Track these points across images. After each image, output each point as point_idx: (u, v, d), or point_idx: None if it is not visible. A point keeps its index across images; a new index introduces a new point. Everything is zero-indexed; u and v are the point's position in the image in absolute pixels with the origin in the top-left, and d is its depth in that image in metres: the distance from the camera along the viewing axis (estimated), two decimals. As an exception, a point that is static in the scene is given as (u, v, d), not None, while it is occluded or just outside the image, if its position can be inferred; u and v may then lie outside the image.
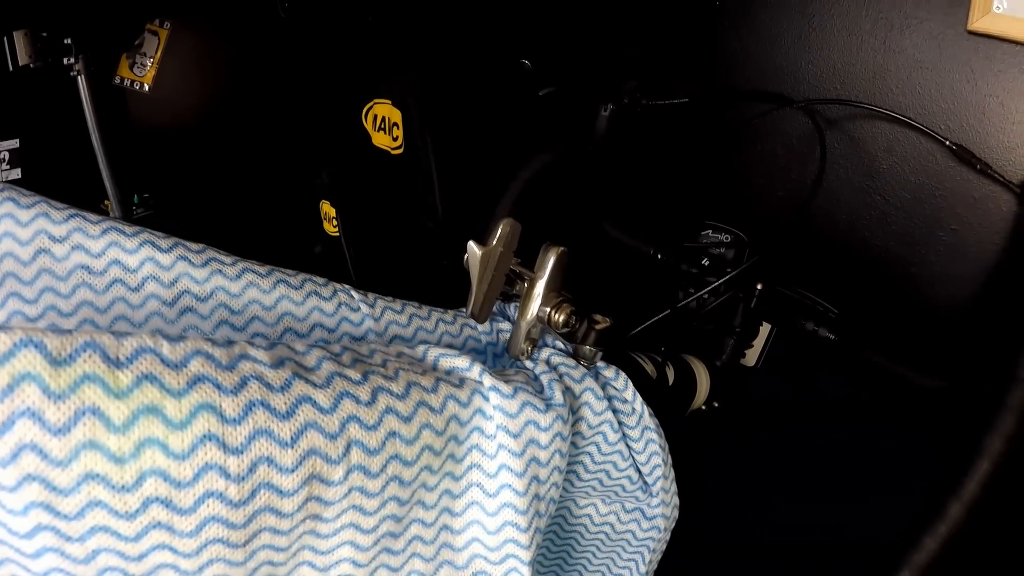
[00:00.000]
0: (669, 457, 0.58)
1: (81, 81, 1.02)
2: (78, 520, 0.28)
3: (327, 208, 1.23)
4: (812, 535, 0.77)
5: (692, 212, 0.84)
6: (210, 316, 0.46)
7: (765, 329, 0.80)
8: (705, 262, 0.81)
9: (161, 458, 0.29)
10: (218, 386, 0.31)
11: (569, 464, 0.52)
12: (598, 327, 0.53)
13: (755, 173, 0.82)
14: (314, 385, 0.35)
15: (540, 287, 0.50)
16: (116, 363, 0.29)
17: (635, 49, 0.86)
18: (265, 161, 1.18)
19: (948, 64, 0.69)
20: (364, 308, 0.52)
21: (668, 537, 0.60)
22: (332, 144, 1.16)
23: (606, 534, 0.62)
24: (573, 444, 0.52)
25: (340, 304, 0.51)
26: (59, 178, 1.01)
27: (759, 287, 0.76)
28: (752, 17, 0.80)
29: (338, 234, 1.23)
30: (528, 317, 0.50)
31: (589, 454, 0.54)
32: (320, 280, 0.51)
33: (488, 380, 0.45)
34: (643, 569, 0.62)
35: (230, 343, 0.34)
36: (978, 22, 0.69)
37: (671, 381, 0.70)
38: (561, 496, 0.54)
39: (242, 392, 0.32)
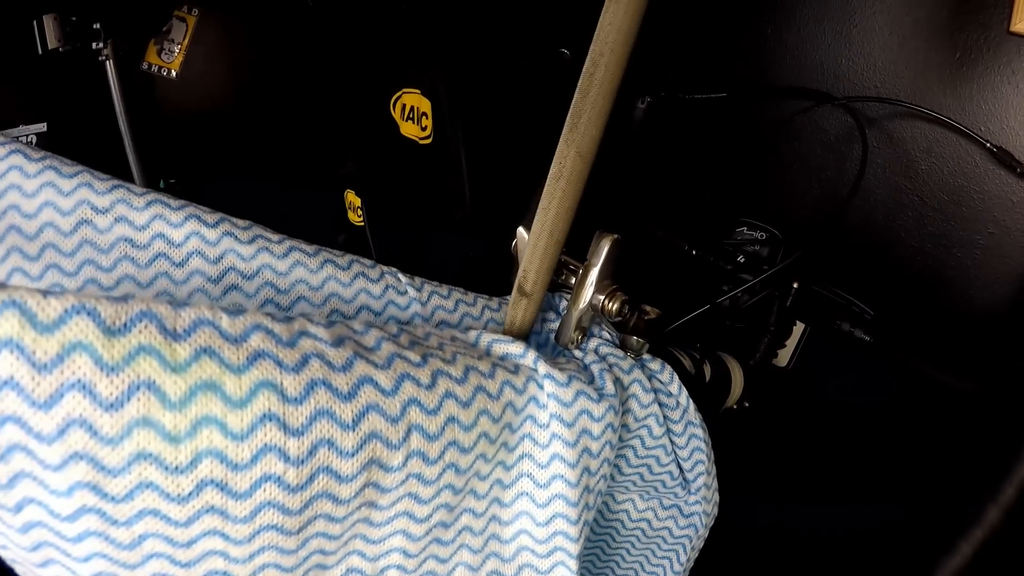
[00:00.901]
0: (712, 453, 0.56)
1: (109, 66, 1.01)
2: (126, 503, 0.26)
3: (352, 197, 1.22)
4: (844, 535, 0.75)
5: (728, 209, 0.83)
6: (255, 295, 0.45)
7: (798, 329, 0.79)
8: (741, 259, 0.80)
9: (219, 438, 0.27)
10: (279, 363, 0.29)
11: (615, 456, 0.51)
12: (648, 317, 0.52)
13: (792, 171, 0.81)
14: (375, 366, 0.34)
15: (594, 275, 0.49)
16: (174, 335, 0.27)
17: (674, 42, 0.85)
18: (290, 149, 1.17)
19: (990, 65, 0.68)
20: (411, 292, 0.51)
21: (706, 535, 0.59)
22: (359, 133, 1.15)
23: (642, 530, 0.61)
24: (619, 437, 0.50)
25: (387, 287, 0.50)
26: (85, 162, 1.00)
27: (795, 286, 0.75)
28: (793, 13, 0.79)
29: (363, 224, 1.21)
30: (580, 305, 0.49)
31: (633, 448, 0.53)
32: (367, 262, 0.50)
33: (543, 368, 0.43)
34: (678, 568, 0.61)
35: (289, 319, 0.33)
36: (1021, 23, 0.68)
37: (708, 378, 0.69)
38: None
39: (304, 370, 0.30)
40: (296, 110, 1.15)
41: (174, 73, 1.09)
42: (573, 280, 0.54)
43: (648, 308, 0.52)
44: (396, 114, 1.11)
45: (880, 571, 0.70)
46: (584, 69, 0.41)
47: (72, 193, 0.41)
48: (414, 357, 0.37)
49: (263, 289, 0.45)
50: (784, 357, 0.79)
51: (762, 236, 0.81)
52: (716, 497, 0.58)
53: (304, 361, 0.31)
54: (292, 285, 0.46)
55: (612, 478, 0.55)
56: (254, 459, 0.28)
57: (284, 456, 0.29)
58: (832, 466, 0.78)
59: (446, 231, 1.12)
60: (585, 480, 0.45)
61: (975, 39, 0.67)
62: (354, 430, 0.32)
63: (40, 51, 0.92)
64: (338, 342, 0.34)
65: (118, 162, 1.02)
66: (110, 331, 0.25)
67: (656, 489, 0.58)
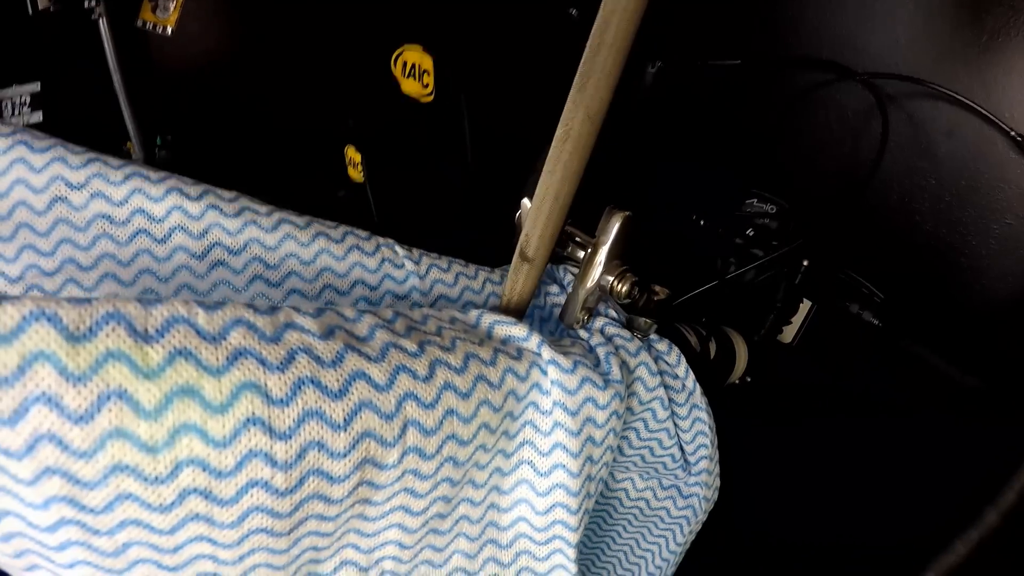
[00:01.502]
0: (716, 438, 0.55)
1: (102, 24, 0.97)
2: (106, 514, 0.25)
3: (352, 153, 1.18)
4: (838, 528, 0.75)
5: (738, 179, 0.80)
6: (243, 270, 0.42)
7: (805, 306, 0.77)
8: (750, 232, 0.77)
9: (199, 446, 0.25)
10: (263, 361, 0.27)
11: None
12: (657, 298, 0.50)
13: (806, 144, 0.77)
14: (368, 358, 0.32)
15: (603, 254, 0.46)
16: (145, 337, 0.25)
17: (687, 5, 0.80)
18: (289, 105, 1.13)
19: (1018, 50, 0.64)
20: (409, 265, 0.48)
21: (704, 519, 0.58)
22: (359, 89, 1.10)
23: (640, 509, 0.60)
24: (623, 421, 0.49)
25: (383, 260, 0.47)
26: (81, 121, 0.97)
27: (805, 264, 0.72)
28: (815, -21, 0.74)
29: (363, 180, 1.18)
30: (588, 285, 0.47)
31: (636, 430, 0.52)
32: (363, 233, 0.48)
33: (547, 353, 0.41)
34: (673, 547, 0.60)
35: (273, 309, 0.30)
36: (1053, 8, 0.64)
37: (712, 355, 0.67)
38: None
39: (290, 368, 0.28)
40: (295, 66, 1.10)
41: (170, 29, 1.04)
42: (580, 253, 0.52)
43: (657, 288, 0.50)
44: (397, 71, 1.06)
45: (871, 564, 0.70)
46: (594, 27, 0.38)
47: (44, 169, 0.38)
48: (410, 346, 0.34)
49: (251, 264, 0.42)
50: (789, 334, 0.77)
51: (772, 209, 0.78)
52: (717, 482, 0.57)
53: (290, 358, 0.28)
54: (282, 260, 0.43)
55: (614, 458, 0.53)
56: (239, 465, 0.26)
57: (271, 461, 0.27)
58: (826, 453, 0.77)
59: (447, 190, 1.09)
60: (588, 469, 0.43)
61: (1004, 21, 0.62)
62: (346, 430, 0.30)
63: (31, 11, 0.88)
64: (328, 333, 0.31)
65: (114, 119, 0.98)
66: (74, 337, 0.23)
67: (657, 470, 0.56)
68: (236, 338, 0.27)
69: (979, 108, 0.64)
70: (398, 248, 0.48)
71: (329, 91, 1.17)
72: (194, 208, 0.40)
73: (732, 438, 0.61)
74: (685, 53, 0.81)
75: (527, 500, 0.44)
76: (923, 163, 0.69)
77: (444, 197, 1.11)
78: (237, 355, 0.27)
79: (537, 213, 0.43)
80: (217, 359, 0.26)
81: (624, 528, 0.61)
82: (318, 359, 0.29)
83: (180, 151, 1.09)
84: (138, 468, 0.24)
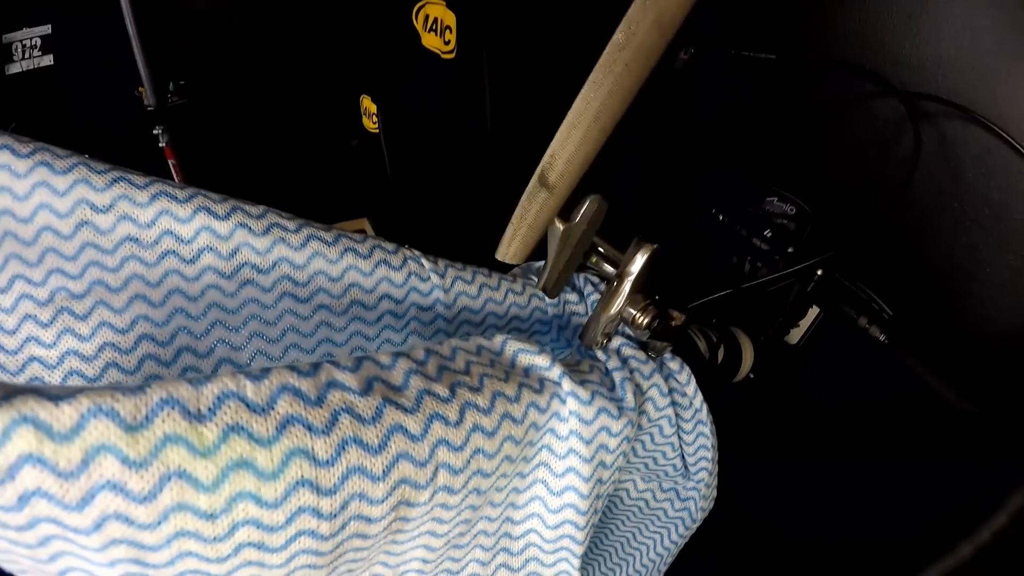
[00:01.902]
0: (716, 454, 0.57)
1: None
2: (168, 568, 0.27)
3: (368, 103, 1.16)
4: (841, 524, 0.78)
5: (760, 176, 0.80)
6: (272, 288, 0.43)
7: (813, 311, 0.78)
8: (768, 233, 0.77)
9: (254, 509, 0.28)
10: (309, 428, 0.29)
11: None
12: (674, 324, 0.51)
13: (831, 149, 0.76)
14: (405, 411, 0.33)
15: (628, 286, 0.47)
16: (198, 417, 0.27)
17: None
18: (306, 50, 1.10)
19: None
20: (434, 278, 0.49)
21: (699, 524, 0.61)
22: (378, 38, 1.07)
23: (639, 507, 0.63)
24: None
25: (410, 274, 0.48)
26: (92, 65, 0.94)
27: (819, 273, 0.73)
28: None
29: (377, 131, 1.16)
30: (611, 312, 0.48)
31: (642, 442, 0.54)
32: (390, 247, 0.48)
33: (567, 385, 0.43)
34: (668, 544, 0.63)
35: (315, 368, 0.32)
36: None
37: (720, 360, 0.69)
38: None
39: (334, 431, 0.30)
40: (313, 9, 1.06)
41: (184, -30, 1.00)
42: (605, 267, 0.53)
43: (674, 314, 0.51)
44: (419, 24, 1.03)
45: (864, 566, 0.74)
46: None
47: (68, 192, 0.38)
48: (442, 392, 0.36)
49: (280, 283, 0.43)
50: (796, 336, 0.79)
51: (792, 210, 0.78)
52: (714, 493, 0.59)
53: (334, 420, 0.30)
54: (311, 277, 0.44)
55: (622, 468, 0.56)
56: (289, 520, 0.29)
57: (317, 514, 0.30)
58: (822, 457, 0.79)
59: (464, 148, 1.07)
60: (596, 489, 0.46)
61: None
62: (384, 480, 0.32)
63: None
64: (367, 388, 0.33)
65: (127, 64, 0.96)
66: (131, 428, 0.25)
67: (658, 476, 0.59)
68: (283, 406, 0.29)
69: (1012, 140, 0.63)
70: (424, 261, 0.49)
71: (348, 38, 1.14)
72: (222, 228, 0.41)
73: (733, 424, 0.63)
74: (720, 42, 0.79)
75: (539, 515, 0.46)
76: (949, 185, 0.69)
77: (460, 156, 1.10)
78: (286, 423, 0.29)
79: (569, 131, 0.38)
80: (267, 430, 0.28)
81: (622, 523, 0.64)
82: (359, 417, 0.31)
83: (193, 97, 1.07)
84: (199, 532, 0.27)
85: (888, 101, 0.71)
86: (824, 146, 0.78)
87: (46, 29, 0.91)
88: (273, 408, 0.29)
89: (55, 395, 0.24)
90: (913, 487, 0.73)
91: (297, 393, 0.30)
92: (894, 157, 0.72)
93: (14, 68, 0.92)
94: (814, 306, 0.77)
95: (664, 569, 0.64)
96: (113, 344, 0.39)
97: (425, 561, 0.40)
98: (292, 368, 0.31)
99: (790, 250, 0.75)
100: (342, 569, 0.35)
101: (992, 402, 0.65)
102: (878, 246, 0.73)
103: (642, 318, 0.47)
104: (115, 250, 0.39)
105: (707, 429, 0.56)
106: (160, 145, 1.05)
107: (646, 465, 0.57)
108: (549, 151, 0.39)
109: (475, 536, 0.44)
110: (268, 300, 0.43)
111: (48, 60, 0.93)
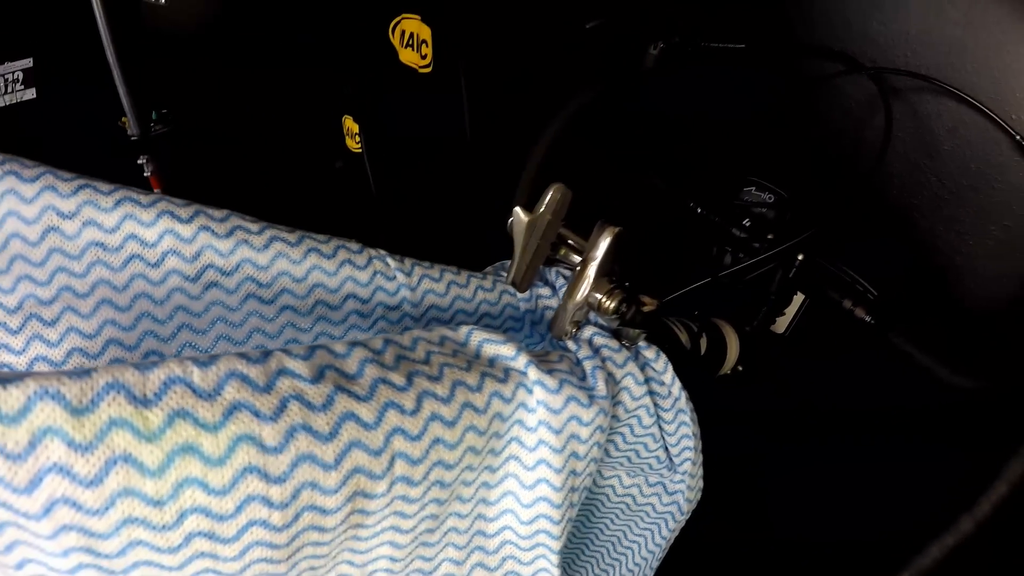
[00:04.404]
0: (699, 443, 0.56)
1: None
2: (120, 558, 0.27)
3: (350, 124, 1.17)
4: (818, 527, 0.77)
5: (736, 166, 0.79)
6: (237, 290, 0.43)
7: (798, 298, 0.77)
8: (746, 222, 0.77)
9: (201, 496, 0.28)
10: (256, 413, 0.29)
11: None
12: (646, 309, 0.50)
13: (808, 133, 0.76)
14: (357, 398, 0.33)
15: (592, 270, 0.46)
16: (144, 401, 0.27)
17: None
18: (287, 74, 1.11)
19: None
20: (400, 277, 0.49)
21: (688, 517, 0.60)
22: (357, 57, 1.08)
23: (627, 504, 0.62)
24: (609, 428, 0.50)
25: (375, 273, 0.48)
26: (75, 97, 0.96)
27: (799, 257, 0.72)
28: (826, -35, 0.72)
29: (360, 151, 1.17)
30: (576, 299, 0.47)
31: (622, 434, 0.53)
32: (354, 247, 0.48)
33: (533, 373, 0.42)
34: (658, 540, 0.62)
35: (266, 356, 0.32)
36: (1072, 13, 0.61)
37: (703, 351, 0.68)
38: None
39: (282, 417, 0.30)
40: (292, 33, 1.08)
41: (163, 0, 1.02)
42: (574, 257, 0.52)
43: (646, 300, 0.50)
44: (395, 40, 1.04)
45: (849, 563, 0.72)
46: None
47: (35, 199, 0.39)
48: (399, 380, 0.36)
49: (244, 284, 0.43)
50: (782, 324, 0.78)
51: (770, 198, 0.78)
52: (700, 483, 0.58)
53: (282, 406, 0.30)
54: (275, 278, 0.44)
55: (600, 459, 0.55)
56: (238, 509, 0.29)
57: (268, 503, 0.30)
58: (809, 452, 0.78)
59: (445, 163, 1.08)
60: (571, 482, 0.45)
61: (1020, 22, 0.61)
62: (336, 468, 0.32)
63: None
64: (318, 376, 0.32)
65: (109, 94, 0.97)
66: (77, 411, 0.25)
67: (643, 469, 0.58)
68: (230, 392, 0.29)
69: (985, 109, 0.63)
70: (390, 260, 0.49)
71: (327, 59, 1.15)
72: (186, 231, 0.41)
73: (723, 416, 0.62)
74: (689, 35, 0.79)
75: (512, 511, 0.45)
76: (925, 160, 0.68)
77: (441, 170, 1.10)
78: (232, 409, 0.29)
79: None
80: (213, 416, 0.28)
81: (611, 522, 0.63)
82: (309, 404, 0.31)
83: (177, 125, 1.08)
84: (147, 519, 0.27)
85: (859, 80, 0.71)
86: (799, 131, 0.78)
87: (28, 63, 0.93)
88: (220, 394, 0.29)
89: (3, 378, 0.24)
90: (908, 480, 0.72)
91: (245, 379, 0.30)
92: (869, 136, 0.72)
93: (-3, 102, 0.93)
94: (799, 293, 0.76)
95: (656, 566, 0.62)
96: (81, 349, 0.40)
97: (393, 559, 0.40)
98: (242, 355, 0.31)
99: (770, 237, 0.74)
100: (303, 566, 0.34)
101: (985, 375, 0.63)
102: (859, 227, 0.73)
103: (608, 302, 0.46)
104: (81, 255, 0.40)
105: (688, 418, 0.55)
106: (145, 175, 1.06)
107: (629, 459, 0.56)
108: None
109: (445, 534, 0.43)
110: (233, 302, 0.43)
111: (31, 93, 0.95)
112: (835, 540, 0.77)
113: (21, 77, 0.93)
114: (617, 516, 0.63)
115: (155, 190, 1.09)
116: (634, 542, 0.63)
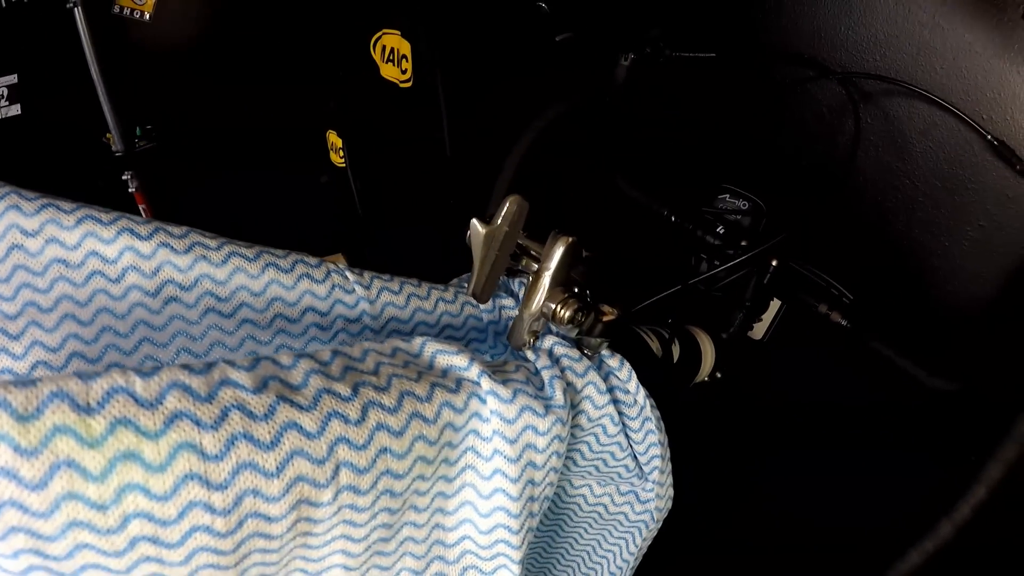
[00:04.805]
0: (668, 451, 0.56)
1: (78, 13, 0.95)
2: (69, 560, 0.28)
3: (334, 139, 1.19)
4: (800, 528, 0.76)
5: (710, 174, 0.80)
6: (196, 304, 0.44)
7: (775, 304, 0.77)
8: (720, 230, 0.77)
9: (143, 501, 0.29)
10: (197, 422, 0.30)
11: (567, 451, 0.51)
12: (605, 319, 0.51)
13: (780, 140, 0.76)
14: (300, 408, 0.34)
15: (546, 280, 0.47)
16: (87, 409, 0.28)
17: (663, -4, 0.79)
18: (270, 90, 1.12)
19: (999, 50, 0.62)
20: (359, 290, 0.49)
21: (660, 526, 0.60)
22: (339, 73, 1.10)
23: (599, 514, 0.62)
24: (572, 435, 0.50)
25: (334, 286, 0.48)
26: (60, 113, 0.97)
27: (774, 263, 0.73)
28: (793, -28, 0.72)
29: (344, 165, 1.18)
30: (532, 310, 0.48)
31: (587, 443, 0.53)
32: (312, 261, 0.49)
33: (486, 383, 0.43)
34: (632, 550, 0.62)
35: (209, 367, 0.32)
36: (1038, 11, 0.62)
37: (676, 358, 0.68)
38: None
39: (223, 426, 0.31)
40: (274, 50, 1.09)
41: (148, 15, 1.03)
42: (534, 266, 0.52)
43: (606, 309, 0.50)
44: (376, 55, 1.05)
45: (832, 563, 0.72)
46: None
47: (0, 218, 0.40)
48: (343, 390, 0.36)
49: (203, 299, 0.44)
50: (760, 331, 0.78)
51: (745, 205, 0.78)
52: (670, 492, 0.58)
53: (223, 415, 0.31)
54: (233, 292, 0.44)
55: (567, 468, 0.55)
56: (181, 515, 0.30)
57: (210, 509, 0.30)
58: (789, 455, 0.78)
59: (427, 175, 1.09)
60: (528, 491, 0.45)
61: (986, 22, 0.61)
62: (279, 476, 0.32)
63: (4, 3, 0.88)
64: (261, 387, 0.33)
65: (93, 110, 0.98)
66: (23, 418, 0.26)
67: (612, 478, 0.58)
68: (172, 402, 0.30)
69: (955, 110, 0.63)
70: (348, 274, 0.49)
71: (310, 75, 1.16)
72: (145, 247, 0.42)
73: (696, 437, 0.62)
74: (660, 45, 0.80)
75: (471, 520, 0.45)
76: (898, 163, 0.69)
77: (423, 182, 1.11)
78: (173, 418, 0.30)
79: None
80: (154, 424, 0.29)
81: (585, 531, 0.63)
82: (251, 414, 0.32)
83: (161, 141, 1.09)
84: (91, 523, 0.28)
85: (829, 86, 0.71)
86: (772, 138, 0.78)
87: (12, 79, 0.94)
88: (162, 403, 0.30)
89: None
90: (891, 477, 0.71)
91: (187, 390, 0.31)
92: (842, 141, 0.72)
93: (-19, 119, 0.94)
94: (775, 299, 0.76)
95: (631, 575, 0.62)
96: (45, 362, 0.42)
97: (347, 568, 0.40)
98: (185, 367, 0.32)
99: (744, 243, 0.74)
100: (253, 573, 0.34)
101: (962, 377, 0.63)
102: (833, 231, 0.73)
103: (564, 311, 0.46)
104: (45, 272, 0.42)
105: (654, 425, 0.55)
106: (130, 191, 1.07)
107: (597, 468, 0.56)
108: None
109: (402, 543, 0.43)
110: (192, 316, 0.44)
111: (16, 110, 0.96)
112: (819, 542, 0.76)
113: (6, 93, 0.94)
114: (591, 525, 0.63)
115: (140, 206, 1.10)
116: (609, 551, 0.63)
